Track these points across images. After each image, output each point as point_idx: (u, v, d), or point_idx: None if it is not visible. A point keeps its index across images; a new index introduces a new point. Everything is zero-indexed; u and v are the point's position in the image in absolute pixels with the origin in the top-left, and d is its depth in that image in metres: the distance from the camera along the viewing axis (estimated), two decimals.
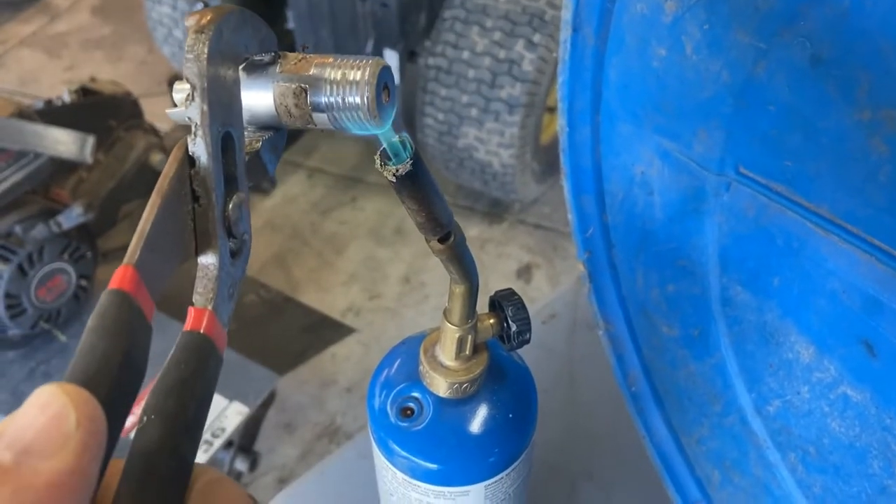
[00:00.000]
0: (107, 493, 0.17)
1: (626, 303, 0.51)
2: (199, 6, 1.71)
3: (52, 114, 1.33)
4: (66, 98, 1.42)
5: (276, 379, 1.31)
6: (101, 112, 1.44)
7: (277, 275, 1.81)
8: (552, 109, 1.80)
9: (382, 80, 0.22)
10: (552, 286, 1.82)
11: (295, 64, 0.23)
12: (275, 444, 1.50)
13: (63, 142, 1.19)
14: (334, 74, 0.22)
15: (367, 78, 0.22)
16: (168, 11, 1.92)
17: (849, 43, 0.28)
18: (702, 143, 0.38)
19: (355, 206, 2.01)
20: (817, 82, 0.30)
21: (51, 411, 0.15)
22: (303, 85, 0.22)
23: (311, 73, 0.22)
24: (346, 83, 0.22)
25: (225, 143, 0.22)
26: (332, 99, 0.22)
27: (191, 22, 0.21)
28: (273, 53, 0.23)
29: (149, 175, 1.50)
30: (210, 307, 0.21)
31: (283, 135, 0.25)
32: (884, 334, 0.31)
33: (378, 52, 1.73)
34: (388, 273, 1.85)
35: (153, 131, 1.55)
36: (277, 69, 0.23)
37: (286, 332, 1.65)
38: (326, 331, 1.69)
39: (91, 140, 1.21)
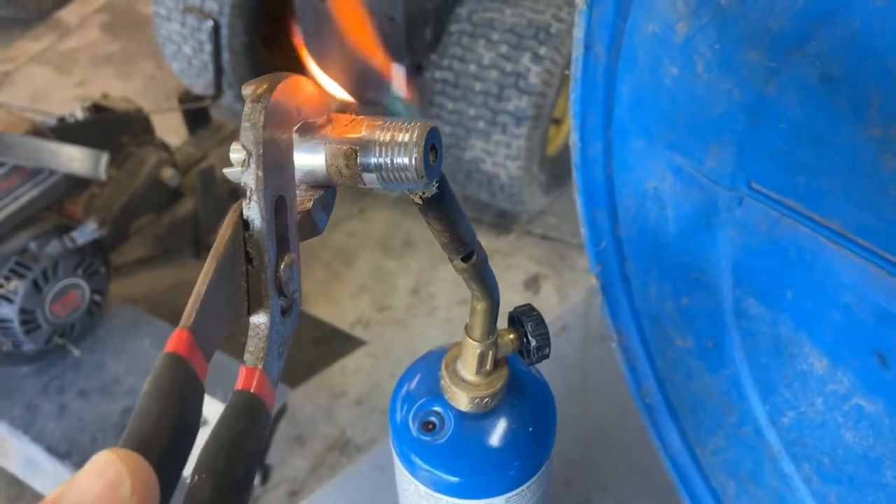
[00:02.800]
0: None
1: (639, 315, 0.52)
2: (210, 23, 1.73)
3: (65, 131, 1.34)
4: (79, 115, 1.44)
5: (288, 392, 1.32)
6: (112, 128, 1.45)
7: None
8: (558, 121, 1.81)
9: (430, 142, 0.23)
10: (560, 297, 1.82)
11: (346, 126, 0.24)
12: (286, 457, 1.50)
13: (77, 159, 1.20)
14: (383, 136, 0.23)
15: (415, 139, 0.22)
16: (177, 28, 1.94)
17: (859, 62, 0.29)
18: (714, 159, 0.39)
19: (363, 217, 2.02)
20: (828, 100, 0.31)
21: (107, 478, 0.16)
22: (353, 146, 0.23)
23: (361, 135, 0.23)
24: (394, 145, 0.23)
25: (277, 206, 0.23)
26: (381, 160, 0.23)
27: (248, 91, 0.22)
28: (325, 116, 0.24)
29: (160, 190, 1.52)
30: (261, 366, 0.22)
31: (334, 193, 0.26)
32: None
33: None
34: (397, 284, 1.85)
35: (164, 147, 1.57)
36: (329, 131, 0.24)
37: (297, 345, 1.65)
38: (336, 343, 1.69)
39: (105, 157, 1.23)
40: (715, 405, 0.45)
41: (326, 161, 0.24)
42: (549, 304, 1.79)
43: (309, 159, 0.24)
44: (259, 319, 0.22)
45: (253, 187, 0.22)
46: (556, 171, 1.87)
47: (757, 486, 0.43)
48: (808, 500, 0.39)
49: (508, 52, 1.63)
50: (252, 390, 0.21)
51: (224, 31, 1.84)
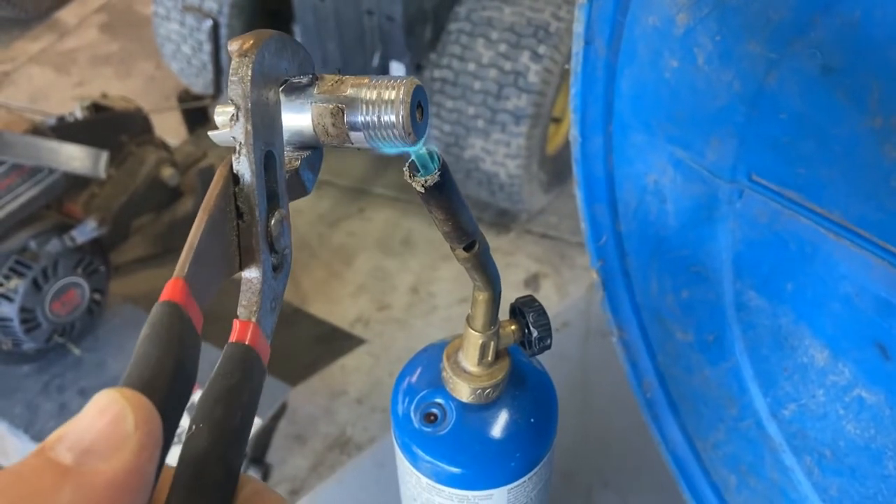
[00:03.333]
0: (158, 498, 0.18)
1: (639, 310, 0.52)
2: (209, 23, 1.73)
3: (65, 130, 1.34)
4: (79, 114, 1.44)
5: (288, 390, 1.32)
6: (112, 128, 1.45)
7: (287, 286, 1.82)
8: (557, 120, 1.81)
9: (416, 99, 0.23)
10: (560, 295, 1.82)
11: (332, 85, 0.24)
12: (286, 456, 1.50)
13: (77, 157, 1.20)
14: (370, 94, 0.23)
15: (401, 97, 0.22)
16: (176, 28, 1.94)
17: (859, 53, 0.29)
18: (714, 152, 0.39)
19: (363, 216, 2.02)
20: (828, 91, 0.31)
21: (110, 414, 0.16)
22: (339, 105, 0.23)
23: (347, 93, 0.23)
24: (381, 102, 0.23)
25: (267, 162, 0.23)
26: (367, 118, 0.23)
27: (234, 46, 0.22)
28: (311, 75, 0.24)
29: (160, 189, 1.52)
30: (254, 319, 0.21)
31: (321, 153, 0.26)
32: None
33: (385, 65, 1.74)
34: (397, 284, 1.85)
35: (164, 146, 1.57)
36: (315, 90, 0.24)
37: (297, 344, 1.65)
38: (336, 342, 1.69)
39: (105, 155, 1.23)
40: (715, 399, 0.45)
41: (313, 120, 0.24)
42: (549, 303, 1.78)
43: (295, 119, 0.24)
44: (251, 274, 0.22)
45: (242, 141, 0.22)
46: (555, 169, 1.87)
47: (758, 480, 0.43)
48: (809, 492, 0.39)
49: (507, 51, 1.63)
50: (247, 342, 0.21)
51: (223, 31, 1.84)
